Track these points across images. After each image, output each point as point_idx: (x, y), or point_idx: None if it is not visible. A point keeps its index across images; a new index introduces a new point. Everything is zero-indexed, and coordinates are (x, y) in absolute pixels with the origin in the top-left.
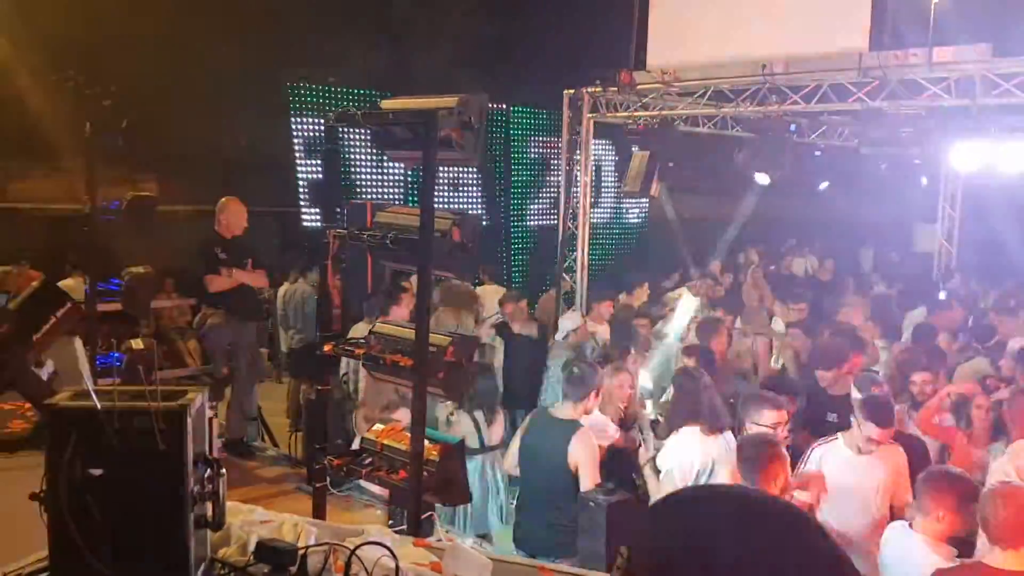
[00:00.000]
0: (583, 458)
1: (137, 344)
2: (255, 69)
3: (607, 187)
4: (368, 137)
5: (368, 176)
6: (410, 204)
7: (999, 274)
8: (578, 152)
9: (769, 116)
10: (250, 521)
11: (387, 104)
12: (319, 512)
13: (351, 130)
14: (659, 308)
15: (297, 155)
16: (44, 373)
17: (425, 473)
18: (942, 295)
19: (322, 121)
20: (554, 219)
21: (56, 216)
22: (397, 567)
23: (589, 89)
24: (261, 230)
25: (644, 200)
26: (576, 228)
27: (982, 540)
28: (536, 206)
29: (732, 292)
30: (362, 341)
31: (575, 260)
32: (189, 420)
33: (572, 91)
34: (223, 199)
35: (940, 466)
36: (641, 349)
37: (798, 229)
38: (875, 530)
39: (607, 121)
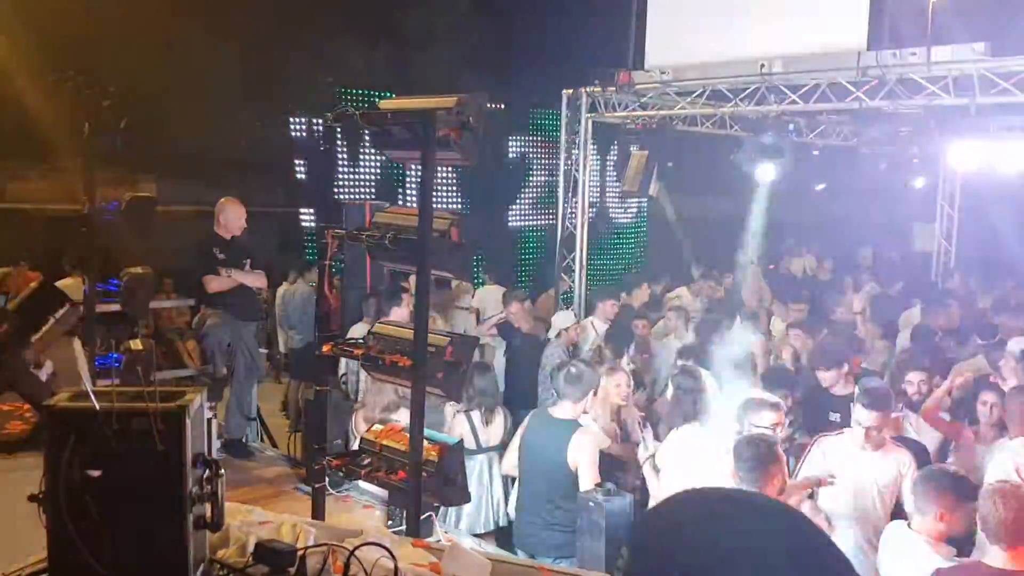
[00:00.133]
0: (583, 457)
1: (136, 345)
2: (255, 69)
3: (608, 187)
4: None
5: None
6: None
7: (998, 273)
8: (576, 151)
9: (768, 115)
10: (249, 522)
11: (386, 104)
12: (318, 513)
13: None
14: (658, 309)
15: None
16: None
17: (424, 474)
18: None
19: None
20: (552, 219)
21: (55, 216)
22: (396, 568)
23: (588, 89)
24: (260, 230)
25: (643, 200)
26: (575, 228)
27: (981, 539)
28: (534, 206)
29: (731, 292)
30: (361, 341)
31: (574, 260)
32: (188, 421)
33: (571, 91)
34: (222, 199)
35: (938, 465)
36: (639, 350)
37: (797, 229)
38: (875, 528)
39: (606, 121)
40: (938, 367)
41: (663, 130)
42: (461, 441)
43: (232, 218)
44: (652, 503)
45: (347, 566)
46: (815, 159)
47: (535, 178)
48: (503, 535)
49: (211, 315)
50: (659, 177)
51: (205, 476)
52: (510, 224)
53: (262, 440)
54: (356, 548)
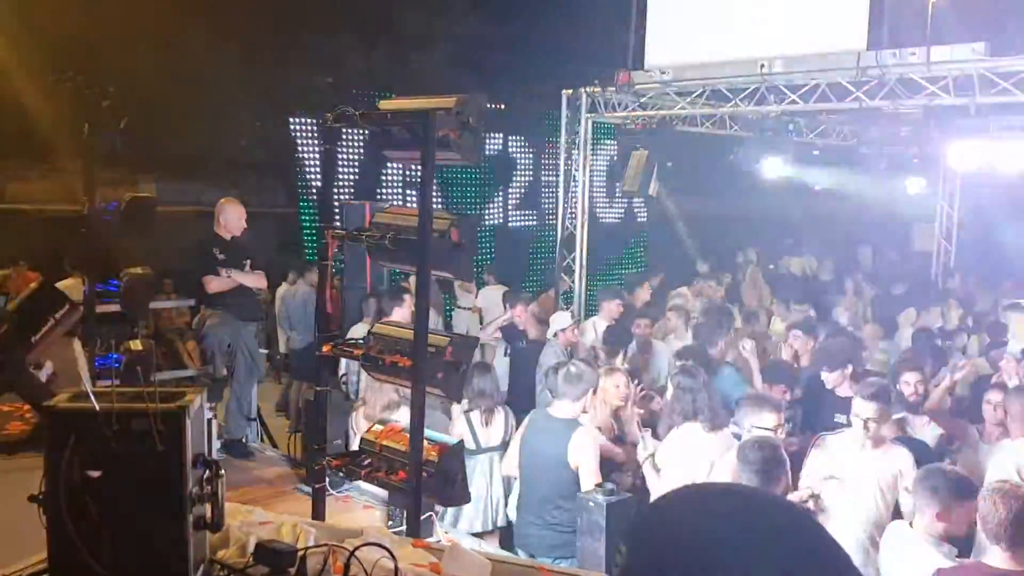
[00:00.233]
0: (584, 457)
1: (136, 345)
2: (254, 69)
3: (606, 187)
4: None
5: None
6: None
7: (998, 272)
8: (576, 152)
9: (767, 115)
10: (249, 522)
11: (385, 104)
12: (318, 513)
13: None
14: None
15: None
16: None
17: (424, 474)
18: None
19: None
20: (552, 219)
21: (55, 217)
22: (396, 568)
23: (587, 89)
24: (260, 231)
25: (633, 199)
26: (575, 228)
27: (981, 539)
28: (534, 206)
29: (731, 292)
30: (361, 342)
31: (573, 260)
32: (188, 421)
33: (570, 91)
34: (221, 200)
35: (938, 464)
36: (641, 350)
37: (796, 229)
38: (877, 526)
39: (605, 121)
40: (938, 367)
41: (662, 130)
42: (461, 441)
43: (232, 218)
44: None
45: (347, 566)
46: (815, 159)
47: (519, 177)
48: (504, 535)
49: (211, 315)
50: (658, 177)
51: (205, 476)
52: (508, 223)
53: (262, 440)
54: (356, 548)
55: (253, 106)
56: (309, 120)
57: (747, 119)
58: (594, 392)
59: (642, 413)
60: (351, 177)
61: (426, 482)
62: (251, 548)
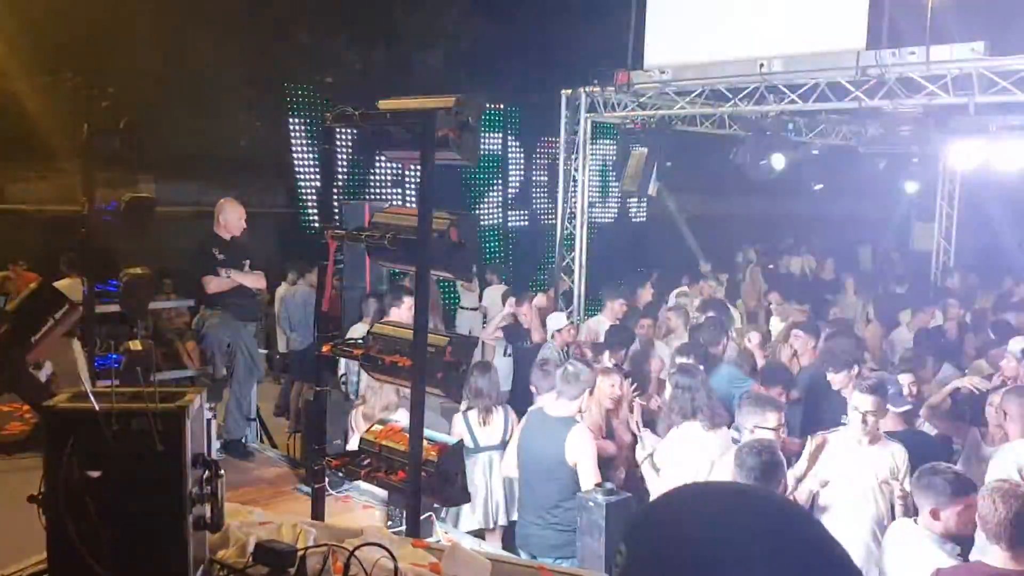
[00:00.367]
0: (581, 455)
1: (135, 346)
2: (254, 69)
3: (606, 186)
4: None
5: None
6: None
7: (997, 272)
8: (575, 152)
9: (767, 115)
10: (249, 522)
11: (384, 104)
12: (318, 513)
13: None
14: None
15: (295, 156)
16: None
17: (424, 474)
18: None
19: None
20: (552, 219)
21: (54, 217)
22: (396, 568)
23: (587, 89)
24: (260, 231)
25: (643, 199)
26: (574, 228)
27: (981, 539)
28: (533, 206)
29: (730, 292)
30: (360, 342)
31: (573, 260)
32: (187, 421)
33: (570, 91)
34: (221, 200)
35: (939, 463)
36: (643, 350)
37: (795, 228)
38: (876, 523)
39: (605, 120)
40: (938, 367)
41: (662, 130)
42: (461, 441)
43: (232, 218)
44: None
45: (347, 566)
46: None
47: (534, 178)
48: (506, 535)
49: (210, 316)
50: (658, 176)
51: (205, 477)
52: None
53: (262, 441)
54: (356, 548)
55: (253, 106)
56: (309, 120)
57: (746, 119)
58: (591, 392)
59: (643, 405)
60: (350, 177)
61: (425, 482)
62: (251, 548)
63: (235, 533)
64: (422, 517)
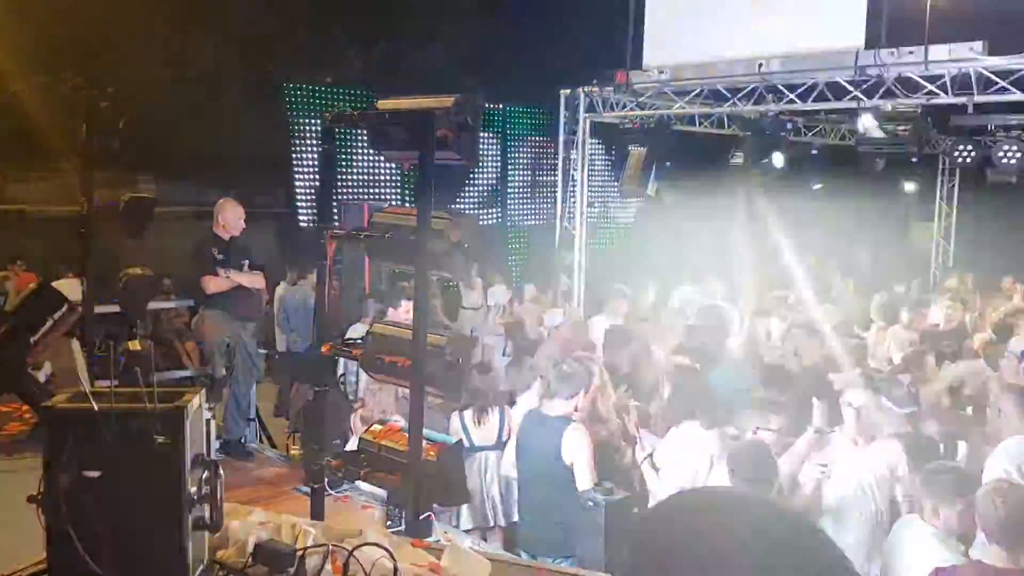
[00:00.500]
0: (578, 454)
1: (135, 346)
2: (254, 69)
3: (605, 186)
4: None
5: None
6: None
7: (995, 271)
8: (575, 151)
9: (766, 114)
10: (248, 522)
11: (383, 104)
12: (317, 513)
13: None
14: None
15: (295, 156)
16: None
17: (423, 474)
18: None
19: (319, 121)
20: (552, 219)
21: (53, 217)
22: (395, 568)
23: (585, 88)
24: (259, 231)
25: (642, 199)
26: (573, 228)
27: (981, 538)
28: (533, 206)
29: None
30: (360, 342)
31: (573, 260)
32: (186, 422)
33: (568, 91)
34: (220, 200)
35: (941, 462)
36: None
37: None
38: (875, 522)
39: (604, 120)
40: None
41: (661, 130)
42: (460, 441)
43: (231, 218)
44: (652, 502)
45: (346, 566)
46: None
47: (533, 178)
48: (506, 535)
49: (210, 316)
50: (657, 176)
51: (204, 477)
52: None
53: (261, 441)
54: (355, 548)
55: (253, 106)
56: (308, 120)
57: (745, 118)
58: (586, 391)
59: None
60: (350, 177)
61: (425, 482)
62: (250, 548)
63: (234, 533)
64: (421, 517)
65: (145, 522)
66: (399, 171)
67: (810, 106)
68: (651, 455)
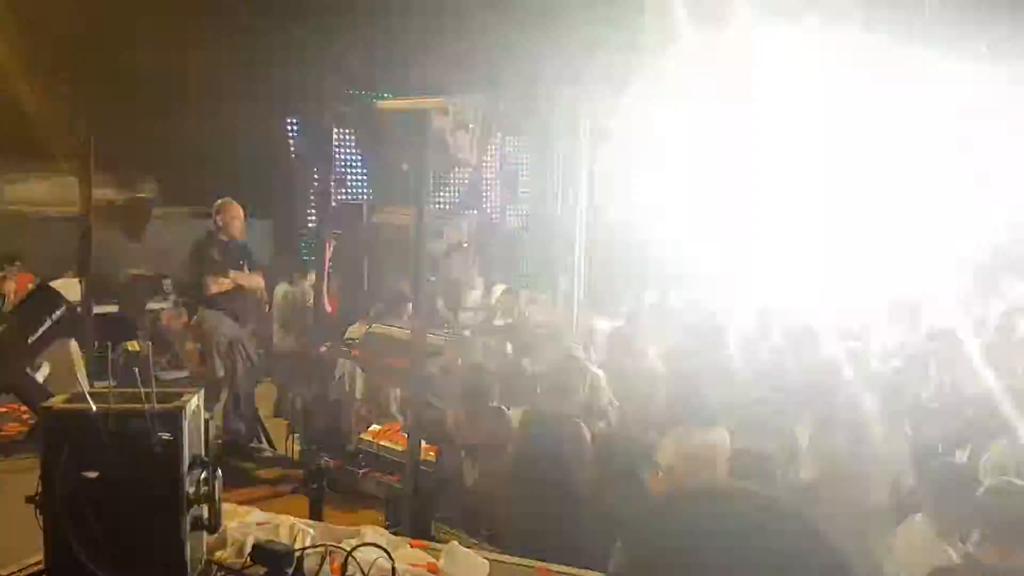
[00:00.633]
0: (577, 452)
1: (133, 346)
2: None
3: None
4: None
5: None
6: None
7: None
8: (575, 151)
9: None
10: (247, 523)
11: (383, 105)
12: (316, 513)
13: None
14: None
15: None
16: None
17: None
18: None
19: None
20: (552, 218)
21: (53, 217)
22: (394, 568)
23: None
24: (259, 231)
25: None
26: (573, 228)
27: (981, 537)
28: (533, 206)
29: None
30: (358, 342)
31: (573, 260)
32: (185, 422)
33: (568, 91)
34: (220, 201)
35: (942, 461)
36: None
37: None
38: (874, 521)
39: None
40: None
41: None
42: (458, 441)
43: (230, 219)
44: (651, 501)
45: (345, 567)
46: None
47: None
48: (506, 535)
49: (209, 316)
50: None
51: (202, 477)
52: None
53: (260, 441)
54: (354, 549)
55: (253, 106)
56: (309, 120)
57: None
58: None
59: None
60: (349, 178)
61: (424, 482)
62: (249, 548)
63: (233, 534)
64: (419, 517)
65: (144, 523)
66: (398, 171)
67: None
68: (651, 455)
